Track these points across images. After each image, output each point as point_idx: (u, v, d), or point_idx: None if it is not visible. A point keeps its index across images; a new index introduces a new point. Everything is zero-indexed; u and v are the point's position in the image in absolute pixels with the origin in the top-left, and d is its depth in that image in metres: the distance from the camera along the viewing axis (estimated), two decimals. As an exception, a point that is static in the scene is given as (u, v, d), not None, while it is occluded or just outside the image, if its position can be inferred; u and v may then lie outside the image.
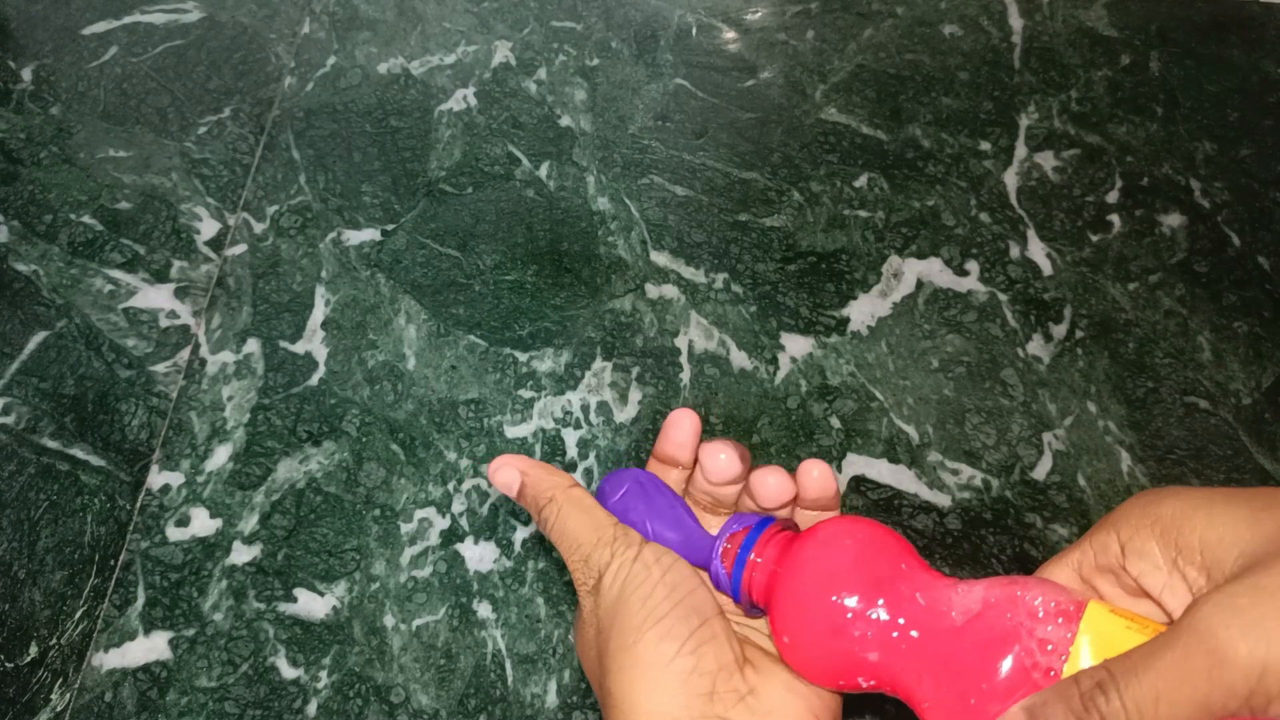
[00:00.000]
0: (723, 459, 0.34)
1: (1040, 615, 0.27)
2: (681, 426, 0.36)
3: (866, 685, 0.30)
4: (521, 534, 0.57)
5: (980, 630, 0.27)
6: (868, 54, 0.78)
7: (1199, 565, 0.25)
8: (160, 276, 0.65)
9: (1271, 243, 0.70)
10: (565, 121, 0.73)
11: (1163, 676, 0.23)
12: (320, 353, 0.63)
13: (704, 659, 0.30)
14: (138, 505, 0.57)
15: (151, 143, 0.71)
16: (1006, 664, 0.26)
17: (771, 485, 0.33)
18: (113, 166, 0.69)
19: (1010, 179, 0.72)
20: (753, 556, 0.32)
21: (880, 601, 0.29)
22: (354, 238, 0.67)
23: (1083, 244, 0.69)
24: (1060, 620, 0.26)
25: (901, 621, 0.29)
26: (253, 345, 0.63)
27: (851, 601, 0.29)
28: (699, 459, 0.35)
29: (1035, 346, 0.65)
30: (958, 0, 0.82)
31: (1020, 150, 0.74)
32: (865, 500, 0.59)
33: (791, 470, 0.34)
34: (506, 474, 0.36)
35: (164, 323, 0.63)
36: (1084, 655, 0.25)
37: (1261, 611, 0.22)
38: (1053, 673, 0.26)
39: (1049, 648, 0.26)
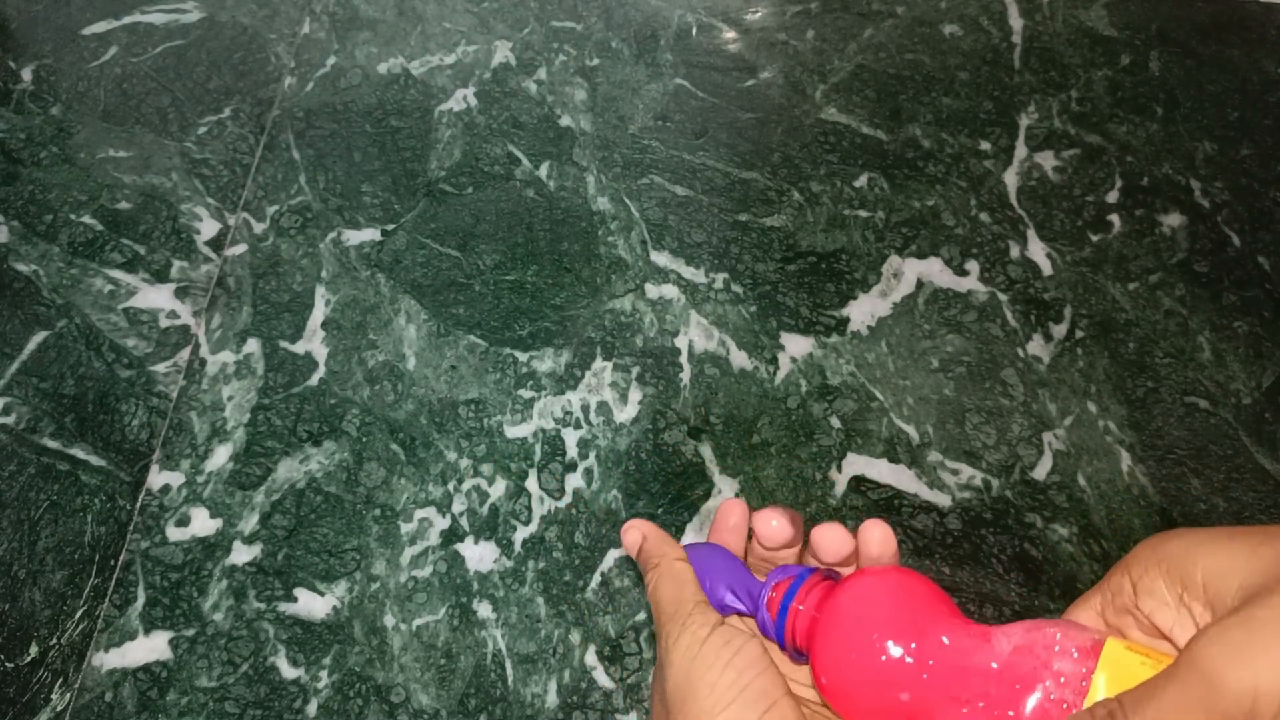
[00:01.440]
0: (774, 524, 0.36)
1: (1059, 652, 0.29)
2: (732, 512, 0.39)
3: None
4: (522, 534, 0.57)
5: (1007, 670, 0.29)
6: (868, 54, 0.78)
7: (1203, 600, 0.27)
8: (160, 276, 0.65)
9: (1271, 243, 0.70)
10: (565, 121, 0.73)
11: (1165, 706, 0.24)
12: (320, 353, 0.63)
13: None
14: (138, 505, 0.57)
15: (151, 143, 0.71)
16: (1031, 701, 0.28)
17: (832, 539, 0.35)
18: (113, 166, 0.69)
19: (1010, 179, 0.72)
20: (795, 604, 0.34)
21: (912, 645, 0.31)
22: (354, 238, 0.67)
23: (1083, 244, 0.69)
24: (1078, 657, 0.28)
25: (931, 663, 0.31)
26: (253, 345, 0.63)
27: (884, 644, 0.31)
28: (752, 528, 0.37)
29: (1035, 346, 0.65)
30: (958, 0, 0.82)
31: (1020, 150, 0.74)
32: (865, 500, 0.59)
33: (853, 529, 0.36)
34: (633, 535, 0.39)
35: (164, 323, 0.63)
36: (1101, 690, 0.27)
37: (1252, 642, 0.23)
38: (1066, 705, 0.28)
39: (1064, 681, 0.28)
